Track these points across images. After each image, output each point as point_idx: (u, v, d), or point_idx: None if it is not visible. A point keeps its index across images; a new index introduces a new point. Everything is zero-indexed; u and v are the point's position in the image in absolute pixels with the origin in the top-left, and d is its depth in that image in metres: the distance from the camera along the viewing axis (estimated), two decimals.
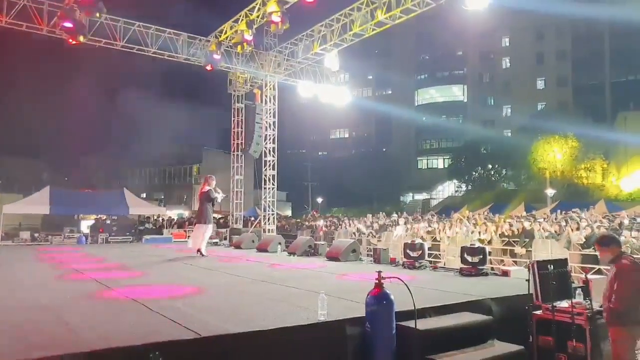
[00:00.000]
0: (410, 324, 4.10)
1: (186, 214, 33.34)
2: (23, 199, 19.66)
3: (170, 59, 15.57)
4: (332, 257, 9.92)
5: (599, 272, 7.72)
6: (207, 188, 10.58)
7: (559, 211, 18.06)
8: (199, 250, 10.38)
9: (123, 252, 12.58)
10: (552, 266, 4.65)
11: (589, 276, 4.78)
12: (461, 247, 8.27)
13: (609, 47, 42.74)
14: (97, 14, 11.92)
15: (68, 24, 11.85)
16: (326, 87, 17.92)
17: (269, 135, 17.36)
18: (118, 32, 14.06)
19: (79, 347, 3.21)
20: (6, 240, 16.18)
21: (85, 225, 20.66)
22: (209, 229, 10.86)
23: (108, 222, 20.71)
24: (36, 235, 17.47)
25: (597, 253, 4.56)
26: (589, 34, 42.66)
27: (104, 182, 42.81)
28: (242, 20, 14.04)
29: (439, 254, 11.74)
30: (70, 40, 12.36)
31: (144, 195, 37.17)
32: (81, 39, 12.32)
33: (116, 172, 47.77)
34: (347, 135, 59.79)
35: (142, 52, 14.87)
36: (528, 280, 4.80)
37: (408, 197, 51.15)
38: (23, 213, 19.79)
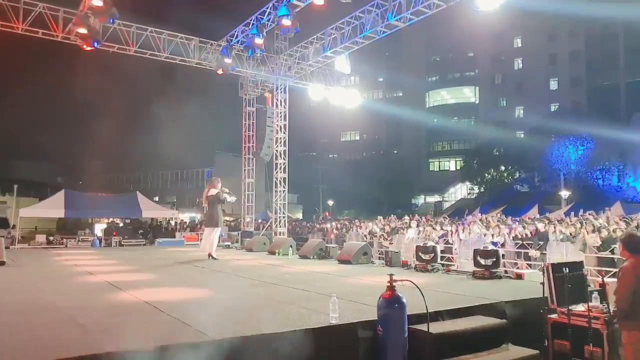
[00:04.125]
0: (423, 327, 4.07)
1: (198, 217, 33.58)
2: (39, 202, 20.01)
3: (182, 63, 15.78)
4: (344, 260, 9.90)
5: (616, 275, 7.55)
6: (214, 191, 10.51)
7: (572, 213, 17.72)
8: (210, 254, 10.40)
9: (136, 255, 12.72)
10: (567, 269, 4.57)
11: (606, 279, 4.68)
12: (474, 250, 8.18)
13: (624, 46, 41.99)
14: (111, 20, 12.11)
15: (82, 30, 12.09)
16: (336, 90, 17.93)
17: (280, 138, 17.42)
18: (131, 37, 14.28)
19: (93, 349, 3.26)
20: (23, 244, 16.47)
21: (99, 228, 20.95)
22: (218, 232, 10.83)
23: (121, 225, 20.96)
24: (51, 238, 17.73)
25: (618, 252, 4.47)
26: (603, 34, 41.99)
27: (117, 185, 43.46)
28: (253, 24, 14.17)
29: (452, 257, 11.62)
30: (85, 46, 12.62)
31: (157, 198, 37.56)
32: (95, 44, 12.56)
33: (129, 176, 48.46)
34: (357, 138, 59.68)
35: (155, 57, 15.08)
36: (543, 284, 4.73)
37: (420, 199, 50.82)
38: (39, 217, 20.14)
